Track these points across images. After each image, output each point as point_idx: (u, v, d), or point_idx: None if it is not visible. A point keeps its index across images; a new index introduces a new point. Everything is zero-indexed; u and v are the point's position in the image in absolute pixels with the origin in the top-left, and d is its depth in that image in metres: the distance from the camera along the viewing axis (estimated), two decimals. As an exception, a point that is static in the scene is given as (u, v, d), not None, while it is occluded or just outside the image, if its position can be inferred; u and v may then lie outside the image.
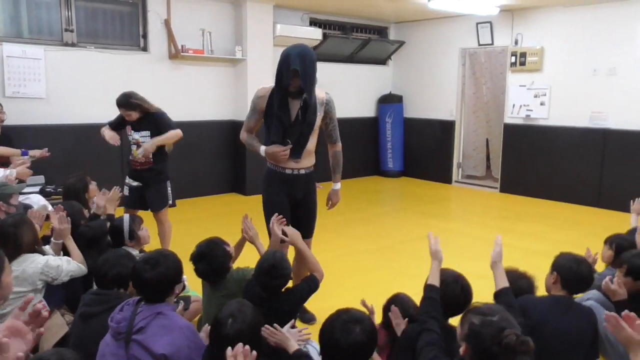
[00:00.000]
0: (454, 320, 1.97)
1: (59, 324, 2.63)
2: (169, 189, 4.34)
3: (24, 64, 5.87)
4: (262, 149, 3.30)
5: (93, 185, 3.93)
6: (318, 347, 1.97)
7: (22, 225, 2.77)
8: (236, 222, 3.11)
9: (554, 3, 7.15)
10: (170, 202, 4.38)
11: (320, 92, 3.28)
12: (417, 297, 2.38)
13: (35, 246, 2.83)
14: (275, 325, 2.15)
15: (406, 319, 2.40)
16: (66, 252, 3.01)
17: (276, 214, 3.00)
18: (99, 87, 6.31)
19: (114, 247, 3.08)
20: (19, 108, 5.82)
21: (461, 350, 1.74)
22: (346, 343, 1.83)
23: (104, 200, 3.53)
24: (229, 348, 1.80)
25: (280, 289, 2.56)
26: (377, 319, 2.60)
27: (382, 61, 9.49)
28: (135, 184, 4.28)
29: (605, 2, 6.80)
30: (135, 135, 4.15)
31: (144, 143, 4.10)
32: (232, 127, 7.46)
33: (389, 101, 9.27)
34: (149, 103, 4.16)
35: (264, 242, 2.99)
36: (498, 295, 2.33)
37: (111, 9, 6.59)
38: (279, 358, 2.14)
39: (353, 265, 4.73)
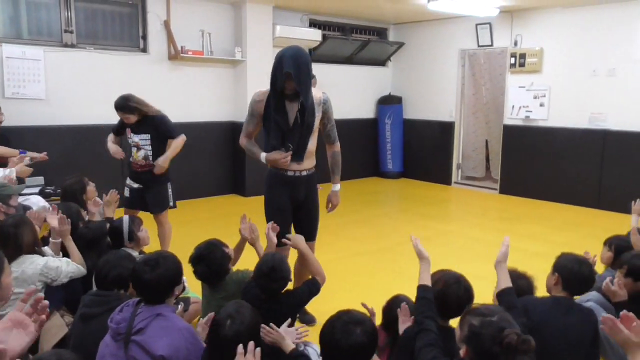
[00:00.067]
0: (455, 322, 1.96)
1: (58, 325, 2.63)
2: (170, 190, 4.34)
3: (24, 65, 5.87)
4: (263, 155, 3.26)
5: (91, 187, 3.92)
6: (318, 348, 1.97)
7: (22, 226, 2.78)
8: (236, 224, 3.10)
9: (553, 4, 7.16)
10: (171, 203, 4.38)
11: (317, 92, 3.25)
12: (416, 298, 2.37)
13: (35, 247, 2.83)
14: (271, 324, 2.15)
15: (412, 317, 2.40)
16: (65, 253, 3.01)
17: (272, 222, 2.99)
18: (98, 88, 6.31)
19: (113, 248, 3.07)
20: (19, 109, 5.82)
21: (461, 352, 1.74)
22: (347, 344, 1.82)
23: (96, 209, 3.63)
24: (240, 345, 1.83)
25: (279, 292, 2.56)
26: (377, 320, 2.60)
27: (382, 62, 9.49)
28: (135, 185, 4.28)
29: (605, 3, 6.81)
30: (135, 138, 4.15)
31: (157, 160, 4.09)
32: (231, 128, 7.46)
33: (389, 102, 9.27)
34: (148, 105, 4.15)
35: (264, 245, 2.98)
36: (501, 295, 2.32)
37: (111, 10, 6.59)
38: (277, 359, 2.14)
39: (352, 267, 4.72)
